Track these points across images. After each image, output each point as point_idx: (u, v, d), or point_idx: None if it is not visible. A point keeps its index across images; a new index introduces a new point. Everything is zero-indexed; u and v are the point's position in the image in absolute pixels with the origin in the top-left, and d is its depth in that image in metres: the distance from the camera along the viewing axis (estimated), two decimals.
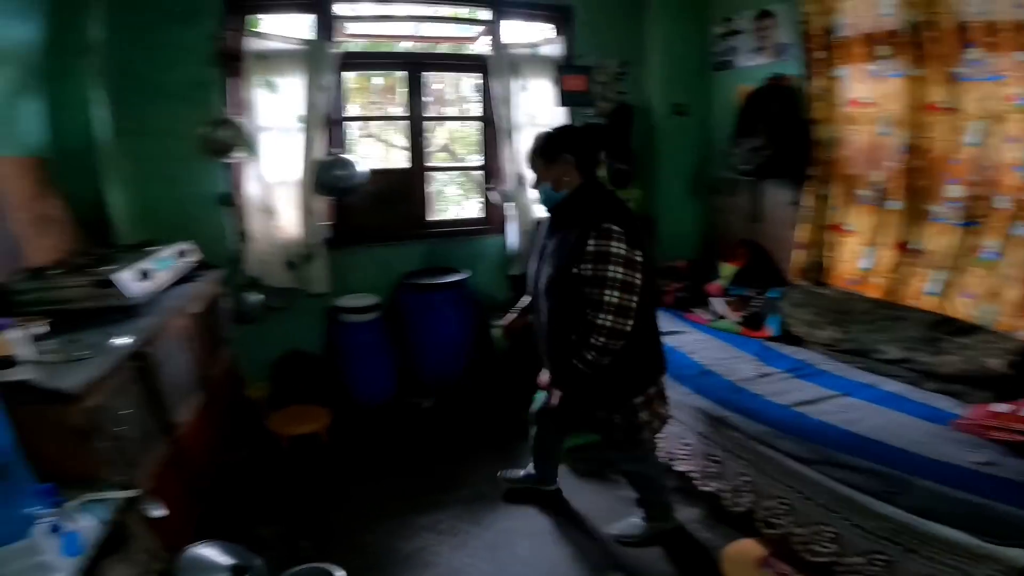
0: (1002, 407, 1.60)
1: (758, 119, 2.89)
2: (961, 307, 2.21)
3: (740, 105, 3.04)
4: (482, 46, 3.53)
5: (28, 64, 2.21)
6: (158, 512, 1.30)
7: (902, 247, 2.41)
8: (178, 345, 1.91)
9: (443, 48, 3.81)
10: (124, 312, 1.65)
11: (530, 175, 1.90)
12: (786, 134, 2.78)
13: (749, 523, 1.97)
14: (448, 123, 5.65)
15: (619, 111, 3.51)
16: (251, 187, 2.87)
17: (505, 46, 3.33)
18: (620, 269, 1.62)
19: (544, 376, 2.00)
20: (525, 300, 2.09)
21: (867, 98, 2.55)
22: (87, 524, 1.10)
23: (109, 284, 1.65)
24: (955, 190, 2.23)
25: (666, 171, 3.61)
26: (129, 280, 1.70)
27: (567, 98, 3.44)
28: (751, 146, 2.88)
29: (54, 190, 2.21)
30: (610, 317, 1.62)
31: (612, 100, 3.58)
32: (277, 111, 2.93)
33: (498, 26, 3.42)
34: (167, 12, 2.71)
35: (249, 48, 2.84)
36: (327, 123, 3.03)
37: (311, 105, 2.92)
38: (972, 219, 2.18)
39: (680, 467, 2.25)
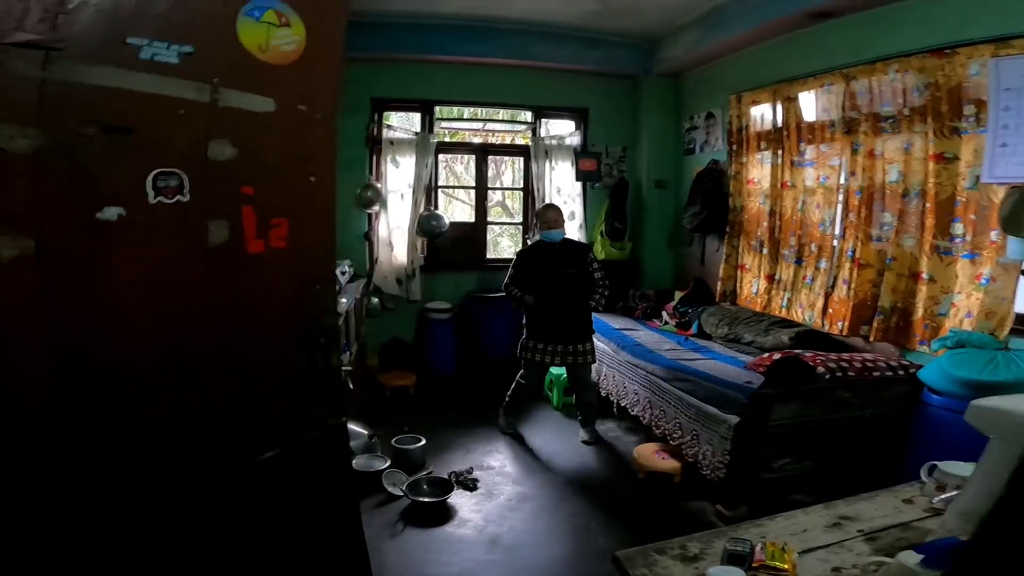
0: (764, 356, 2.97)
1: (699, 192, 4.38)
2: (797, 314, 3.56)
3: (692, 181, 4.54)
4: (527, 138, 5.24)
5: None
6: (351, 386, 2.92)
7: (770, 278, 3.80)
8: (351, 314, 3.68)
9: (504, 139, 5.61)
10: (338, 291, 3.44)
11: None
12: (715, 203, 4.25)
13: (652, 431, 3.40)
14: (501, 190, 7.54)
15: (619, 184, 5.06)
16: (381, 229, 4.75)
17: (541, 138, 5.05)
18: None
19: None
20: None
21: (755, 178, 3.99)
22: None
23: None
24: (792, 240, 3.62)
25: (650, 229, 5.08)
26: (339, 275, 3.50)
27: (582, 175, 5.08)
28: (694, 211, 4.36)
29: None
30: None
31: (615, 177, 5.17)
32: (398, 180, 4.75)
33: (537, 124, 5.16)
34: (344, 109, 4.51)
35: (384, 136, 4.72)
36: (427, 189, 4.85)
37: (418, 177, 4.75)
38: (800, 258, 3.56)
39: (623, 403, 3.72)
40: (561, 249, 3.58)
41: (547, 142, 5.03)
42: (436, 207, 5.04)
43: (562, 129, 5.25)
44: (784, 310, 3.67)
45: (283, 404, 1.23)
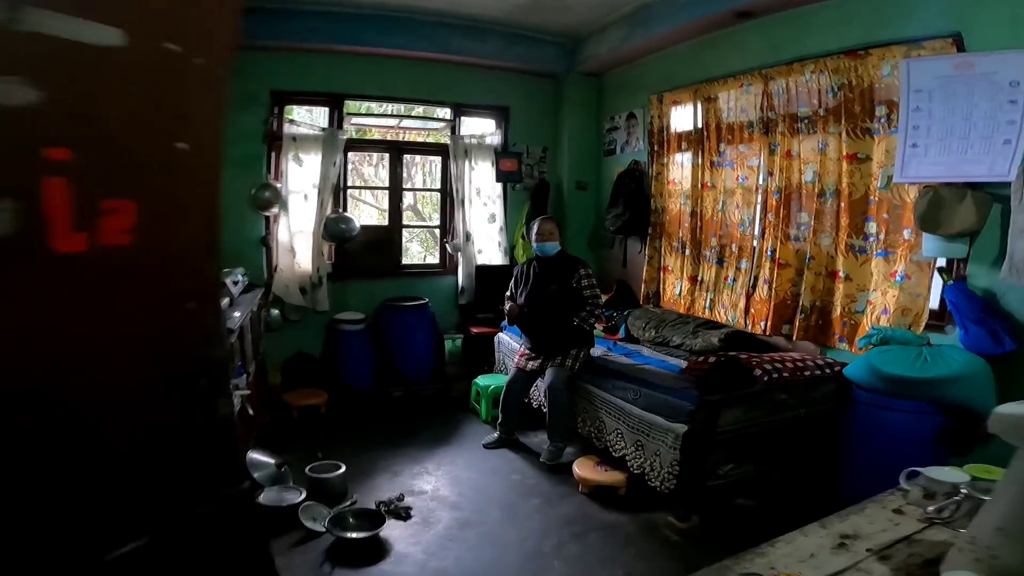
0: (698, 360, 2.93)
1: (621, 193, 4.35)
2: (720, 314, 3.61)
3: (614, 182, 4.51)
4: (444, 136, 4.97)
5: None
6: (251, 411, 2.50)
7: (693, 279, 3.84)
8: (247, 329, 3.19)
9: (418, 137, 5.29)
10: (229, 303, 2.94)
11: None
12: (636, 204, 4.23)
13: (591, 444, 3.25)
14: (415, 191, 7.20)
15: (540, 186, 4.94)
16: (281, 234, 4.23)
17: (461, 136, 4.80)
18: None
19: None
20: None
21: (676, 179, 4.02)
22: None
23: (223, 286, 2.94)
24: (714, 241, 3.67)
25: (572, 231, 4.97)
26: (231, 285, 3.01)
27: (503, 176, 4.90)
28: (616, 213, 4.32)
29: None
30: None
31: (536, 178, 5.05)
32: (301, 179, 4.28)
33: (456, 122, 4.90)
34: (237, 101, 4.00)
35: (286, 131, 4.22)
36: (334, 189, 4.41)
37: (325, 176, 4.30)
38: (721, 259, 3.61)
39: None
40: (551, 263, 3.47)
41: (467, 141, 4.79)
42: (345, 209, 4.61)
43: (482, 128, 5.04)
44: (708, 311, 3.70)
45: (145, 475, 0.88)
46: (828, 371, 2.77)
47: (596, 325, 3.47)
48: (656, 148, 4.15)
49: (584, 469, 3.08)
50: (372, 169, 7.20)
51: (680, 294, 3.95)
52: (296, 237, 4.27)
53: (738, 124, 3.49)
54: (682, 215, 3.95)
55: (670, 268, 4.08)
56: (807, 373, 2.72)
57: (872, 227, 2.78)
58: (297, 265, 4.27)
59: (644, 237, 4.25)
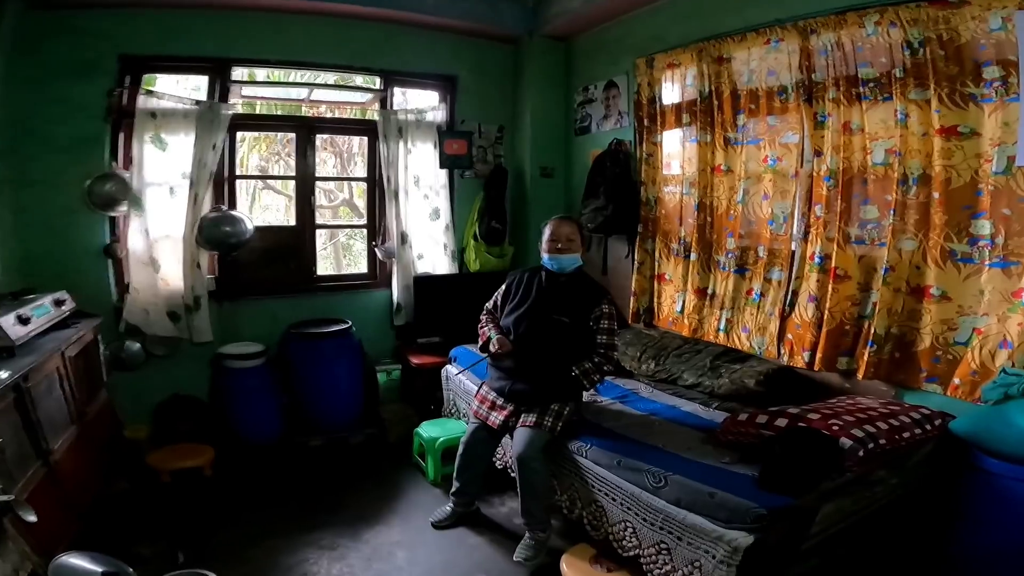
0: (740, 417, 2.06)
1: (601, 181, 3.41)
2: (740, 340, 2.75)
3: (589, 168, 3.56)
4: (373, 111, 3.88)
5: None
6: (30, 517, 1.47)
7: (700, 292, 2.96)
8: (53, 384, 2.04)
9: (338, 112, 4.16)
10: (4, 352, 1.82)
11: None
12: (621, 195, 3.30)
13: (583, 529, 2.31)
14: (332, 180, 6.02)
15: (496, 173, 3.95)
16: (134, 240, 3.02)
17: (393, 112, 3.73)
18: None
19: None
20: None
21: (674, 162, 3.11)
22: None
23: None
24: (731, 242, 2.80)
25: (535, 229, 4.04)
26: (9, 324, 1.88)
27: (449, 161, 3.87)
28: (595, 206, 3.38)
29: None
30: None
31: (491, 163, 4.05)
32: (165, 167, 3.11)
33: (388, 93, 3.82)
34: (64, 67, 2.89)
35: (140, 106, 3.02)
36: (216, 180, 3.24)
37: (200, 163, 3.13)
38: (743, 266, 2.75)
39: None
40: (565, 285, 2.46)
41: (401, 117, 3.72)
42: (232, 206, 3.42)
43: (422, 101, 4.00)
44: (723, 335, 2.83)
45: None
46: (929, 428, 1.95)
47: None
48: (646, 123, 3.25)
49: (577, 570, 2.13)
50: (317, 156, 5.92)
51: (683, 311, 3.06)
52: (158, 244, 3.07)
53: (765, 90, 2.62)
54: (684, 208, 3.06)
55: (667, 277, 3.18)
56: (906, 435, 1.87)
57: (984, 227, 1.97)
58: (161, 282, 3.08)
59: (631, 237, 3.33)
